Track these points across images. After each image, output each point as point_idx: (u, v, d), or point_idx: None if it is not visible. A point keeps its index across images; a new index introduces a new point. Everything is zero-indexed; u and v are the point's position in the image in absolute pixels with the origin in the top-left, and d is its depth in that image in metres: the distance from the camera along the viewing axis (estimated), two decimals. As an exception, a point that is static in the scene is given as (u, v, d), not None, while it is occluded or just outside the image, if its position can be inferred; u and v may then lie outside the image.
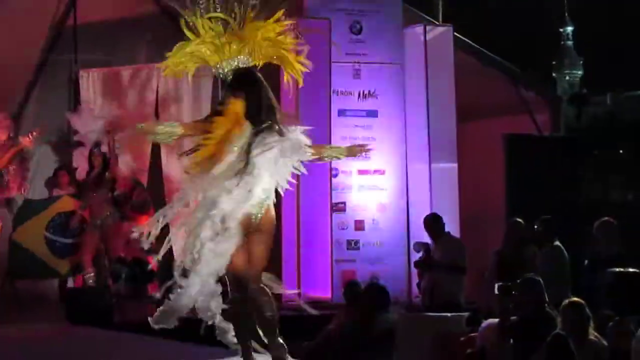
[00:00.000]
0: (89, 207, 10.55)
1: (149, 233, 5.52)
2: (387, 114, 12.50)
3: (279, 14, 5.78)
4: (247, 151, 5.42)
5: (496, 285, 8.19)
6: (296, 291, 7.82)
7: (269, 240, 5.62)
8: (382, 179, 12.47)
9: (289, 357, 5.68)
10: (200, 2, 5.73)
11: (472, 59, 13.42)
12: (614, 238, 9.37)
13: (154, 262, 10.74)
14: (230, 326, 5.73)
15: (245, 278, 5.53)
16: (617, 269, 8.03)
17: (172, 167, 12.37)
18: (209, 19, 5.74)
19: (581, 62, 30.69)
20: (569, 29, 31.51)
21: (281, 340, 5.62)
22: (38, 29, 12.56)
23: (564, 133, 14.61)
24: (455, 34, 12.91)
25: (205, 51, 5.72)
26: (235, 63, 5.73)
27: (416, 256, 11.22)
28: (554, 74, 30.18)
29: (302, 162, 5.58)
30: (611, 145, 14.27)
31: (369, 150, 6.04)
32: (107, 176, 10.53)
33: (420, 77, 12.46)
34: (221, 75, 5.77)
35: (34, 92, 12.65)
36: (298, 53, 5.98)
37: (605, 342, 7.04)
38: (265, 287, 5.60)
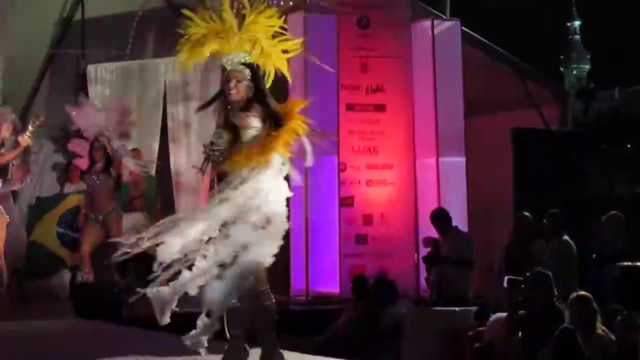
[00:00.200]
0: (92, 201, 10.48)
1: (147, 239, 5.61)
2: (395, 108, 12.51)
3: (272, 10, 5.68)
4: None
5: (505, 279, 8.20)
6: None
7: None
8: (390, 174, 12.48)
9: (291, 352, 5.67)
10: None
11: (479, 53, 13.38)
12: (620, 233, 9.35)
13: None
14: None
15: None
16: (625, 263, 8.05)
17: (181, 161, 12.43)
18: (214, 12, 5.72)
19: (588, 56, 30.64)
20: (577, 23, 31.48)
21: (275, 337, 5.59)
22: (46, 24, 12.59)
23: (571, 127, 14.58)
24: (463, 28, 12.89)
25: (213, 44, 5.71)
26: (238, 58, 5.70)
27: (424, 251, 11.23)
28: (561, 68, 30.13)
29: (304, 163, 5.56)
30: (618, 141, 14.26)
31: None
32: (112, 172, 10.49)
33: (428, 71, 12.44)
34: (229, 67, 5.74)
35: (41, 87, 12.66)
36: (305, 48, 5.95)
37: (612, 336, 7.05)
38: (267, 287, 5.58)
